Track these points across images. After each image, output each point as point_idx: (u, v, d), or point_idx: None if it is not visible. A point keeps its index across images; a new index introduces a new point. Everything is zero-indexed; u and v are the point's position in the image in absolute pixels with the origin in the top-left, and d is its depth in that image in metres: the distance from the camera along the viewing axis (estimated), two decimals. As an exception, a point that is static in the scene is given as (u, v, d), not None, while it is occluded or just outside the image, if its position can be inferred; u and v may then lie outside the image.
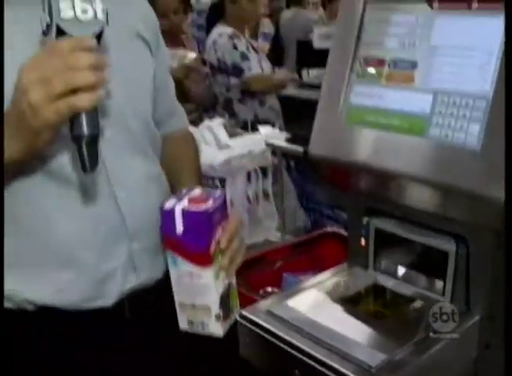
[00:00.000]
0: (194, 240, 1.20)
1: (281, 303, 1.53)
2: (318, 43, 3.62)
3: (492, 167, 1.29)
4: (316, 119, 1.61)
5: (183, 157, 1.60)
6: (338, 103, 1.56)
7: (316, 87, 1.85)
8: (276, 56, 6.98)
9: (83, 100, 0.96)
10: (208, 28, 4.63)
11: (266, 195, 3.11)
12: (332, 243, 2.44)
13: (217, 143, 2.93)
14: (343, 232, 2.39)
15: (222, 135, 3.03)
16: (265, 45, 7.84)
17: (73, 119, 0.99)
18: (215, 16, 4.57)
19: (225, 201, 1.27)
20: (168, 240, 1.23)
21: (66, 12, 0.96)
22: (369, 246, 1.63)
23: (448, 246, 1.44)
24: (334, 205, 3.00)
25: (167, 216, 1.21)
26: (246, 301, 1.51)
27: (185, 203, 1.22)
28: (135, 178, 1.38)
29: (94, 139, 1.01)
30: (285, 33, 7.45)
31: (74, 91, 0.95)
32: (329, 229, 2.56)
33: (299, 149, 2.76)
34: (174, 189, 1.47)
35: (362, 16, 1.57)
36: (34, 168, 1.23)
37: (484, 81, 1.35)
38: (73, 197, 1.29)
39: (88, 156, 1.02)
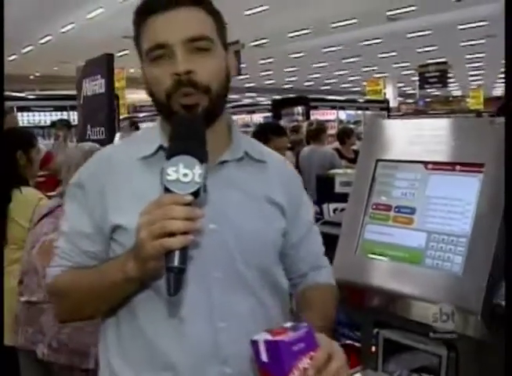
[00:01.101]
0: (276, 367, 1.24)
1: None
2: (338, 189, 4.12)
3: (471, 288, 1.71)
4: (337, 250, 2.04)
5: (314, 302, 1.61)
6: (355, 238, 2.02)
7: (337, 224, 2.23)
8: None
9: (174, 242, 1.18)
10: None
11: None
12: (347, 354, 2.67)
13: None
14: (357, 345, 2.65)
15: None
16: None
17: (168, 254, 1.20)
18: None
19: (312, 333, 1.28)
20: (259, 369, 1.29)
21: (171, 175, 1.20)
22: (379, 352, 1.97)
23: (441, 351, 1.79)
24: (349, 324, 3.29)
25: (255, 346, 1.27)
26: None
27: (269, 334, 1.28)
28: (238, 315, 1.47)
29: (181, 271, 1.20)
30: (304, 168, 7.95)
31: (170, 234, 1.18)
32: (346, 342, 2.84)
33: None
34: None
35: (374, 172, 2.05)
36: (147, 287, 1.43)
37: (464, 223, 1.80)
38: (176, 317, 1.43)
39: (174, 283, 1.21)
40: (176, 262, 1.19)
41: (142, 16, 1.44)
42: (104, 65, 5.38)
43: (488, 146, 1.83)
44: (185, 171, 1.20)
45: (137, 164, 1.47)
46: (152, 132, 1.53)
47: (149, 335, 1.46)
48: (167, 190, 1.21)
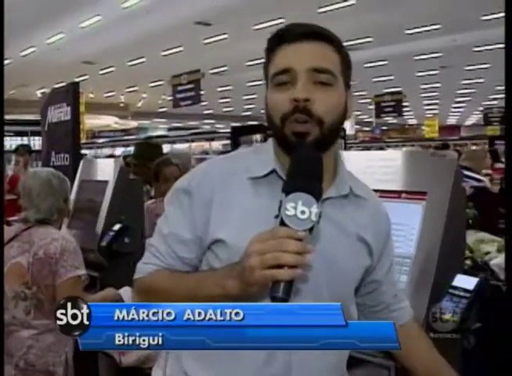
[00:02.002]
0: None
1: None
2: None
3: (416, 303, 1.87)
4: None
5: (436, 362, 1.65)
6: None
7: None
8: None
9: (283, 274, 1.22)
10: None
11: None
12: None
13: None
14: None
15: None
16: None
17: (274, 283, 1.24)
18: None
19: None
20: None
21: (289, 210, 1.24)
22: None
23: (389, 363, 1.94)
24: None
25: None
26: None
27: None
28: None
29: (284, 301, 1.24)
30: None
31: (280, 266, 1.22)
32: None
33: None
34: None
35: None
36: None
37: (409, 246, 2.00)
38: None
39: None
40: (281, 293, 1.23)
41: (275, 43, 1.50)
42: (70, 93, 5.48)
43: (431, 175, 2.03)
44: (302, 209, 1.24)
45: (246, 183, 1.51)
46: (265, 154, 1.56)
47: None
48: (282, 223, 1.25)
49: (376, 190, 2.12)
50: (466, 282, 1.92)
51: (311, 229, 1.25)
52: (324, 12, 14.89)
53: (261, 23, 15.95)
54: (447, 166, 2.00)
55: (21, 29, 16.29)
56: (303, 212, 1.23)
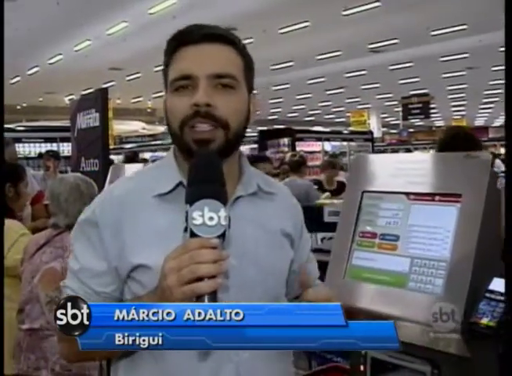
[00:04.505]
0: None
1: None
2: (327, 218, 4.23)
3: (453, 304, 1.84)
4: (327, 275, 2.19)
5: None
6: (343, 264, 2.17)
7: (326, 251, 2.36)
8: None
9: (204, 287, 1.16)
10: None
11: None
12: (336, 374, 2.72)
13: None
14: (345, 365, 2.76)
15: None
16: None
17: (198, 298, 1.18)
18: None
19: None
20: None
21: (197, 219, 1.18)
22: (367, 371, 2.10)
23: (425, 368, 1.93)
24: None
25: None
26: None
27: None
28: None
29: None
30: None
31: (199, 278, 1.16)
32: (336, 364, 2.94)
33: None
34: None
35: (360, 202, 2.21)
36: None
37: (444, 249, 1.96)
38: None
39: None
40: None
41: (174, 46, 1.46)
42: (98, 99, 5.53)
43: (465, 177, 1.99)
44: (210, 215, 1.19)
45: (154, 202, 1.44)
46: (167, 168, 1.51)
47: (168, 364, 1.41)
48: (192, 235, 1.20)
49: (408, 193, 2.12)
50: (503, 285, 1.88)
51: (224, 236, 1.20)
52: (349, 14, 14.84)
53: (287, 26, 15.95)
54: (481, 167, 1.97)
55: (48, 37, 16.52)
56: (211, 218, 1.19)
